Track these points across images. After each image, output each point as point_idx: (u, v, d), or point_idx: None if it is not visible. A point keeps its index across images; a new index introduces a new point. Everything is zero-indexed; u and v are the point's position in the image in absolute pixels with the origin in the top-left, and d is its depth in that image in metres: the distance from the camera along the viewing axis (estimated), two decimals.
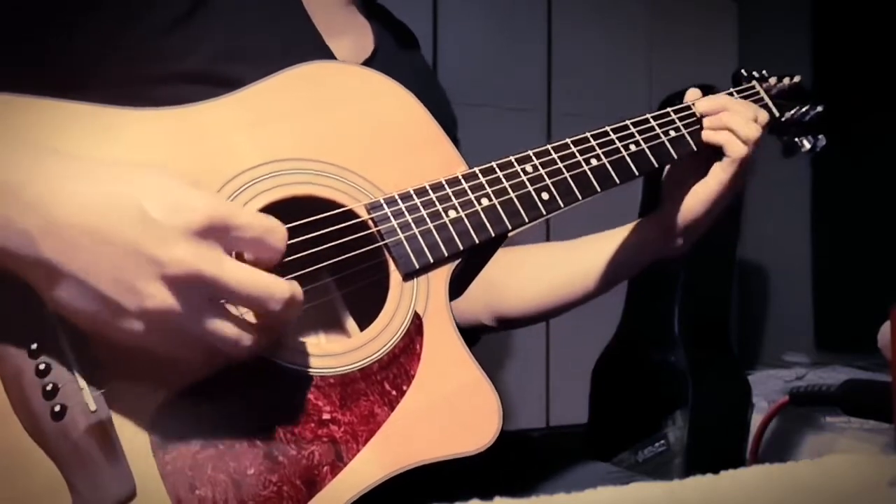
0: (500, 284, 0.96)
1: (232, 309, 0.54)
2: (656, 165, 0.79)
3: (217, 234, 0.51)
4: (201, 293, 0.51)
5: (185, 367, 0.54)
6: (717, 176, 0.79)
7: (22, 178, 0.50)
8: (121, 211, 0.50)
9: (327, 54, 0.80)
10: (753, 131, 0.77)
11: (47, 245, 0.49)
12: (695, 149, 0.81)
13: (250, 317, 0.54)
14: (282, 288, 0.53)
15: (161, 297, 0.49)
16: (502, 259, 0.90)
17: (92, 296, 0.50)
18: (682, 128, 0.81)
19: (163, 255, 0.49)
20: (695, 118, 0.82)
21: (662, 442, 1.75)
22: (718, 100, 0.82)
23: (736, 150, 0.77)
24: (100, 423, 0.53)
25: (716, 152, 0.80)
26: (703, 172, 0.80)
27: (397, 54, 0.91)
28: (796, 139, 0.94)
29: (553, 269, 0.95)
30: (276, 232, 0.54)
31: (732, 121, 0.78)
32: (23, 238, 0.49)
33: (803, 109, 0.91)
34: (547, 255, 0.98)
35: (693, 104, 0.83)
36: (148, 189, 0.51)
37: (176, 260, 0.49)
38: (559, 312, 0.96)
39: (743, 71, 0.91)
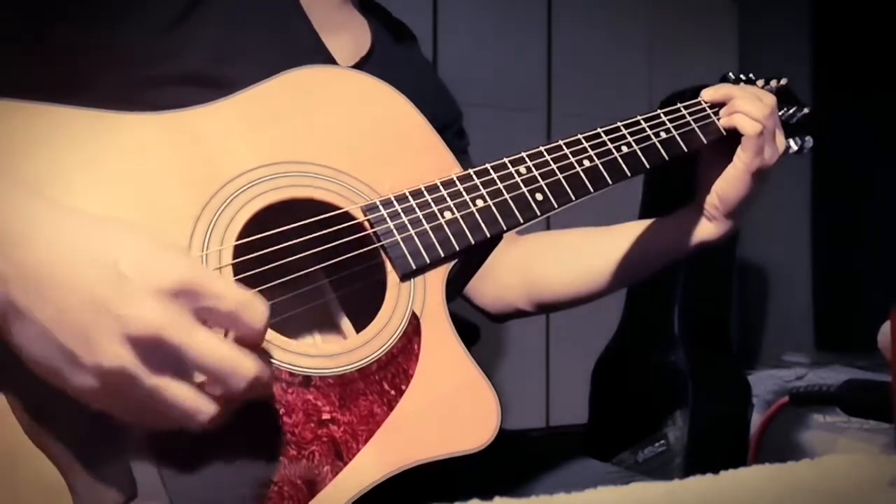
0: (540, 269, 0.96)
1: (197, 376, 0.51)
2: (647, 166, 0.80)
3: (188, 297, 0.49)
4: (162, 357, 0.48)
5: (138, 426, 0.53)
6: (741, 157, 0.82)
7: (3, 219, 0.49)
8: (94, 265, 0.49)
9: (324, 53, 0.80)
10: (762, 109, 0.81)
11: (17, 288, 0.48)
12: (685, 150, 0.83)
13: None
14: (246, 367, 0.50)
15: (118, 356, 0.47)
16: (539, 243, 0.90)
17: (50, 345, 0.48)
18: (672, 129, 0.82)
19: (128, 312, 0.47)
20: (685, 120, 0.84)
21: (662, 442, 1.75)
22: (721, 90, 0.86)
23: (750, 128, 0.81)
24: (100, 426, 0.52)
25: (736, 137, 0.82)
26: (731, 158, 0.83)
27: (395, 51, 0.91)
28: (785, 140, 0.96)
29: (595, 254, 0.95)
30: (253, 307, 0.51)
31: (741, 105, 0.82)
32: None
33: (791, 111, 0.94)
34: (587, 240, 0.99)
35: (673, 111, 0.85)
36: (123, 245, 0.50)
37: (141, 319, 0.47)
38: (598, 297, 0.96)
39: (731, 74, 0.94)
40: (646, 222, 0.93)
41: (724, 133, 0.84)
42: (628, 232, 0.94)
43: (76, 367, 0.48)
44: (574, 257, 0.96)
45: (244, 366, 0.50)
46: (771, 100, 0.84)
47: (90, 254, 0.49)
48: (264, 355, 0.53)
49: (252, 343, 0.51)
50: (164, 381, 0.49)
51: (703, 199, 0.86)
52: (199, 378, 0.50)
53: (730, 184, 0.83)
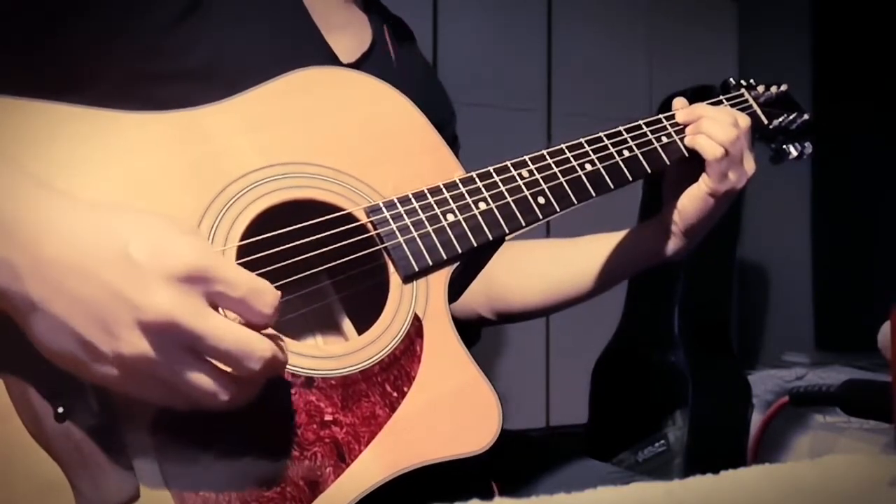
0: (501, 279, 0.97)
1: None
2: (649, 171, 0.80)
3: (199, 283, 0.49)
4: (178, 342, 0.49)
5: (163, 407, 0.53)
6: (705, 178, 0.81)
7: (16, 215, 0.50)
8: (106, 252, 0.49)
9: (326, 50, 0.80)
10: (729, 134, 0.80)
11: (33, 282, 0.48)
12: (686, 154, 0.82)
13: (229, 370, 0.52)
14: (262, 347, 0.50)
15: (136, 343, 0.48)
16: (503, 254, 0.90)
17: (69, 335, 0.49)
18: (673, 134, 0.83)
19: (141, 300, 0.48)
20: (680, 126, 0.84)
21: (662, 442, 1.76)
22: (695, 110, 0.84)
23: (711, 151, 0.79)
24: (103, 425, 0.53)
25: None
26: (697, 176, 0.82)
27: (395, 48, 0.91)
28: (784, 146, 0.97)
29: (554, 266, 0.96)
30: (264, 294, 0.51)
31: (707, 126, 0.81)
32: (10, 273, 0.49)
33: (791, 117, 0.94)
34: (548, 251, 0.99)
35: (675, 116, 0.85)
36: (135, 232, 0.50)
37: (154, 306, 0.48)
38: (558, 309, 0.97)
39: (731, 79, 0.95)
40: (609, 236, 0.93)
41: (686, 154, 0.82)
42: (590, 246, 0.94)
43: (96, 357, 0.49)
44: (536, 270, 0.97)
45: (260, 347, 0.50)
46: (745, 122, 0.82)
47: (100, 240, 0.49)
48: (276, 337, 0.53)
49: (261, 328, 0.52)
50: (182, 365, 0.49)
51: (663, 216, 0.86)
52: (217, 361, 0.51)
53: (691, 202, 0.82)
